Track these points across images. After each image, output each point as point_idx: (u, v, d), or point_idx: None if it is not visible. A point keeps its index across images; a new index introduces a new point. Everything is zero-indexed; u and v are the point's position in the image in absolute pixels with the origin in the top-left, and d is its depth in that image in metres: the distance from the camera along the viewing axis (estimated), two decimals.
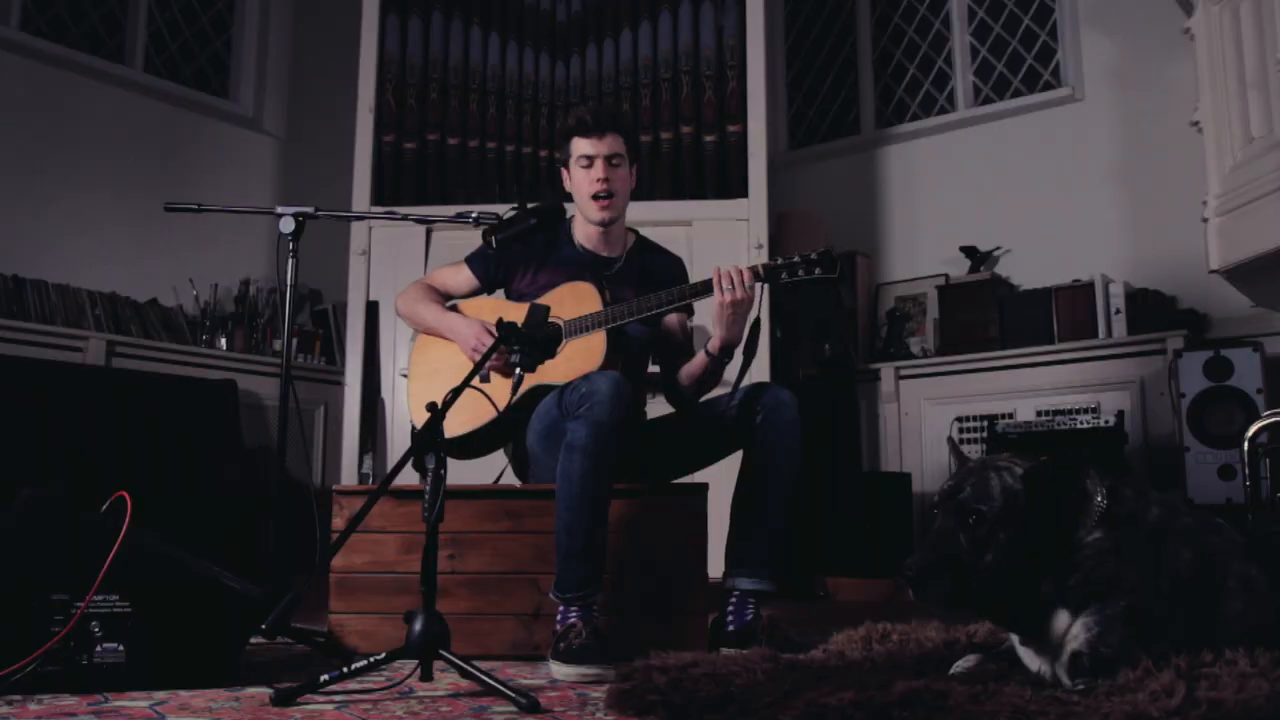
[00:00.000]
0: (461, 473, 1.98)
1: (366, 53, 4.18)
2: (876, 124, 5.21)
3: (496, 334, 1.93)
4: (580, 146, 2.28)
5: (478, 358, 2.11)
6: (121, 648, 1.74)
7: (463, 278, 2.40)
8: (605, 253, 2.38)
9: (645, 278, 2.36)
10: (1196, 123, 3.50)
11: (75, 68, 4.36)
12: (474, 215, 2.14)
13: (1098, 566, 1.36)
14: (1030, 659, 1.43)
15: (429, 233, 4.04)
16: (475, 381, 2.11)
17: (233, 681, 1.78)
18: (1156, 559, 1.38)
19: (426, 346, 2.35)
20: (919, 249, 4.87)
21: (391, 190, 4.09)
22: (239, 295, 4.60)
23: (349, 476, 3.88)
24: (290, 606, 1.46)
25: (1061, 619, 1.39)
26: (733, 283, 2.11)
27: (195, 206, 2.36)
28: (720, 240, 3.98)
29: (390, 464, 3.97)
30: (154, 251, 4.46)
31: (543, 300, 2.17)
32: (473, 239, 3.81)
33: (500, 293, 2.40)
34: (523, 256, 2.33)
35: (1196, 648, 1.36)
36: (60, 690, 1.69)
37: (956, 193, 4.80)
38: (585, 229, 2.37)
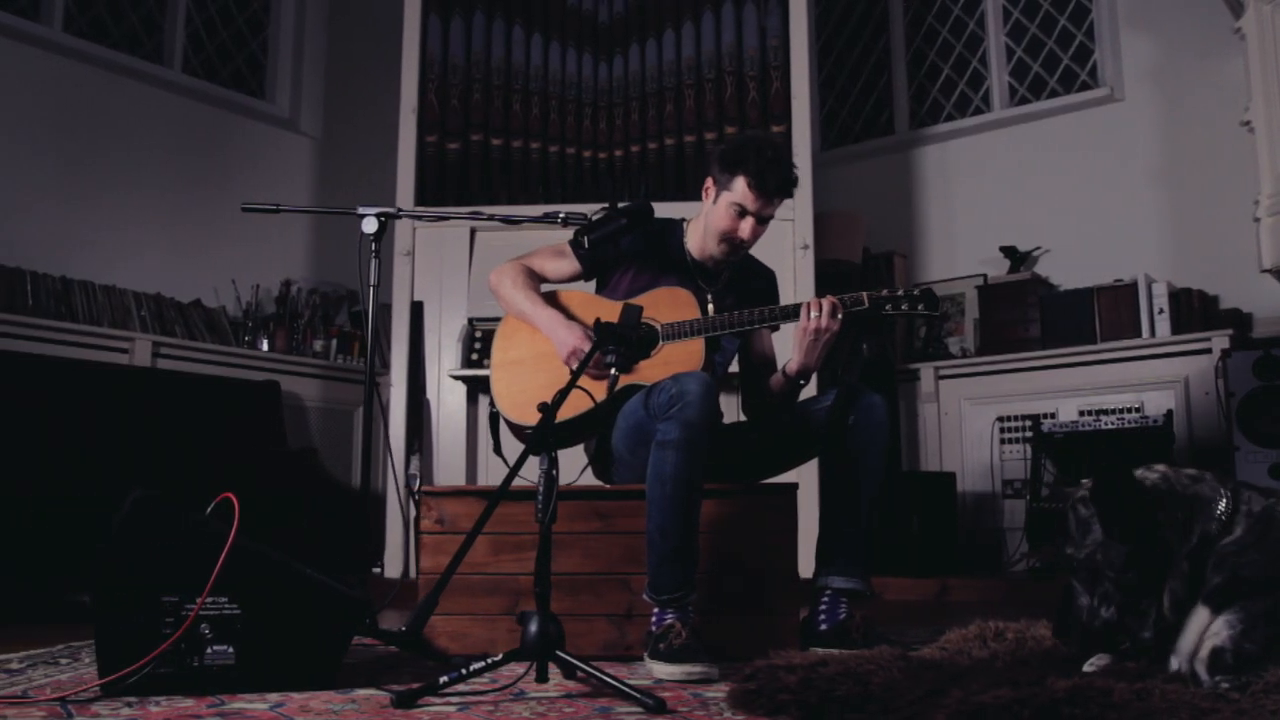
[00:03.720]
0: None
1: (409, 53, 4.17)
2: (911, 124, 5.21)
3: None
4: (743, 194, 2.18)
5: (574, 363, 2.12)
6: (231, 650, 1.73)
7: (565, 264, 2.32)
8: (713, 265, 2.35)
9: (743, 291, 2.36)
10: (1247, 122, 3.51)
11: (116, 68, 4.36)
12: (561, 215, 2.13)
13: (1242, 565, 1.37)
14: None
15: (473, 233, 4.03)
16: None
17: (336, 684, 1.78)
18: None
19: (513, 333, 2.30)
20: (957, 249, 4.88)
21: (435, 190, 4.08)
22: (279, 296, 4.60)
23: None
24: (427, 609, 1.45)
25: (1200, 616, 1.40)
26: (820, 310, 2.12)
27: (274, 207, 2.35)
28: (765, 240, 3.93)
29: (437, 465, 3.98)
30: (195, 252, 4.46)
31: (640, 301, 2.16)
32: (518, 239, 3.82)
33: (591, 285, 2.39)
34: (631, 252, 2.29)
35: None
36: (171, 692, 1.68)
37: (994, 193, 4.81)
38: (701, 243, 2.33)
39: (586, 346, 2.13)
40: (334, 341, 4.64)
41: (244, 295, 4.52)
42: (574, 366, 2.13)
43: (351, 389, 4.62)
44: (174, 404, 3.72)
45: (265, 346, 4.46)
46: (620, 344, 1.92)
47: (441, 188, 4.10)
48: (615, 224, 2.06)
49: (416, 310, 4.03)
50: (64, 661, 2.08)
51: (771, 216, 2.25)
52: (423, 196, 4.06)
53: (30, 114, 4.04)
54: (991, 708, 1.23)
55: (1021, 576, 3.98)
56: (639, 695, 1.54)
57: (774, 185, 2.17)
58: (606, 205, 2.08)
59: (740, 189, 2.19)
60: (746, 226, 2.21)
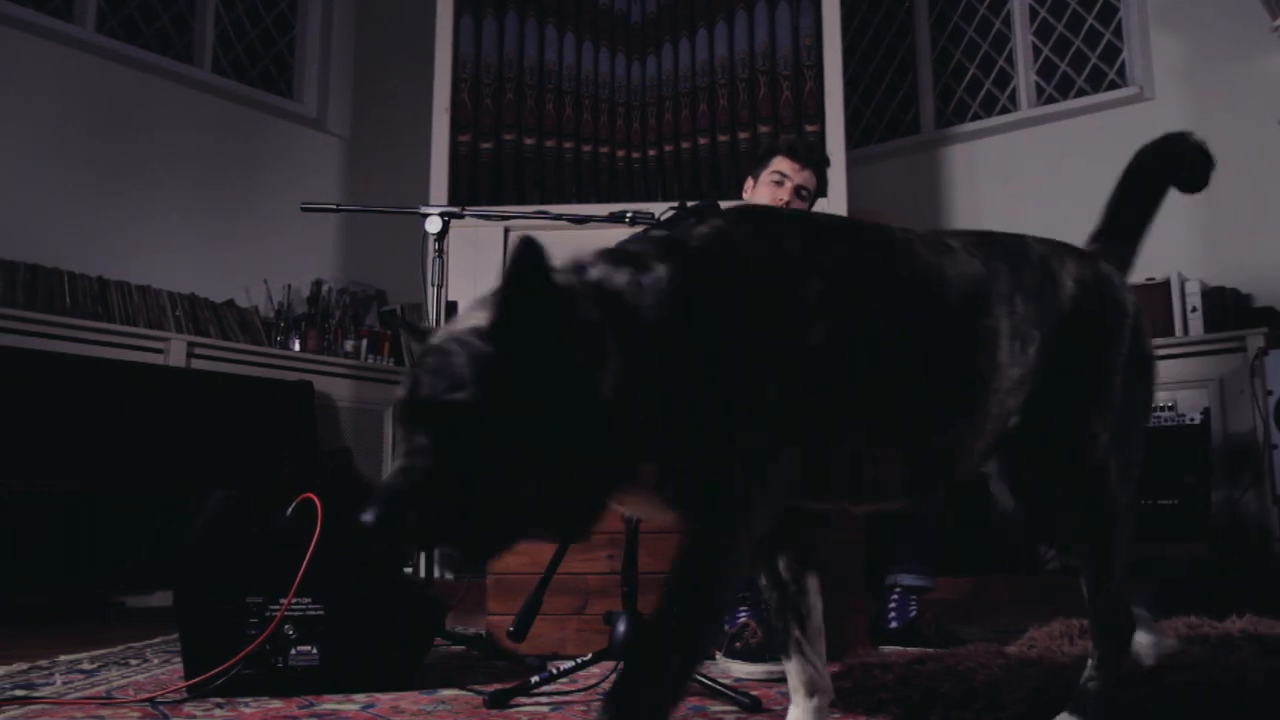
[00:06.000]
0: None
1: (441, 53, 4.17)
2: (936, 124, 5.21)
3: None
4: (781, 164, 2.38)
5: None
6: (315, 650, 1.73)
7: None
8: None
9: None
10: None
11: (147, 68, 4.36)
12: (629, 215, 2.14)
13: None
14: None
15: (506, 233, 4.03)
16: None
17: (416, 684, 1.78)
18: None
19: None
20: None
21: (467, 190, 4.08)
22: (310, 296, 4.60)
23: None
24: (533, 611, 1.45)
25: None
26: None
27: (334, 206, 2.35)
28: None
29: None
30: (227, 252, 4.46)
31: None
32: (551, 239, 3.82)
33: None
34: None
35: None
36: (257, 694, 1.68)
37: (1022, 192, 4.80)
38: None
39: None
40: (364, 342, 4.64)
41: (275, 295, 4.52)
42: None
43: (382, 389, 4.61)
44: (210, 404, 3.72)
45: (297, 346, 4.45)
46: None
47: (474, 187, 4.10)
48: (687, 223, 2.06)
49: (450, 310, 4.02)
50: (134, 662, 2.08)
51: (809, 193, 2.40)
52: (456, 196, 4.06)
53: (63, 114, 4.04)
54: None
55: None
56: (734, 694, 1.54)
57: (805, 150, 2.41)
58: (675, 205, 2.07)
59: (777, 161, 2.40)
60: (786, 191, 2.37)
